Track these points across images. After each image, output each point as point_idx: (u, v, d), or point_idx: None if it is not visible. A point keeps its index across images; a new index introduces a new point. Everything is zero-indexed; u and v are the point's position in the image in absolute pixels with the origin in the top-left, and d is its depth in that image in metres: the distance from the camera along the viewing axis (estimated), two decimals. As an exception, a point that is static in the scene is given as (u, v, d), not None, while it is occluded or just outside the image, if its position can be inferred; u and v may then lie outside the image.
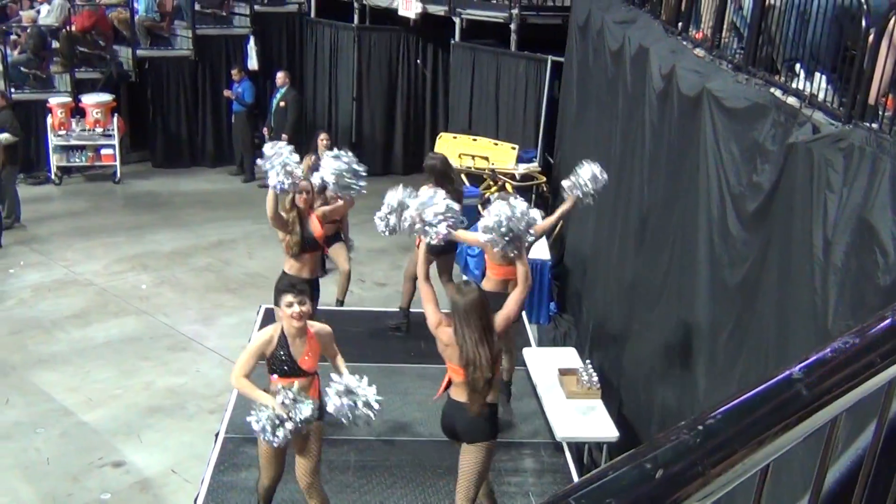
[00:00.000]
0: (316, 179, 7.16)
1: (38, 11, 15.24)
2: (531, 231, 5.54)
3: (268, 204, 6.66)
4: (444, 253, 7.84)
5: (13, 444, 7.41)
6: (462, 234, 6.04)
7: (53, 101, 14.30)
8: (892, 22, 4.45)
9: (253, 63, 15.36)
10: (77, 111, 14.45)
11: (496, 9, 13.53)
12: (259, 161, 6.72)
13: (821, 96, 5.02)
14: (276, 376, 5.18)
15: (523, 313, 8.25)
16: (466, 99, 14.44)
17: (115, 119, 14.49)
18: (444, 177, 7.70)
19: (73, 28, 14.77)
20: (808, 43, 5.28)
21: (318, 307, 6.95)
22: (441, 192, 5.69)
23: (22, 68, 14.54)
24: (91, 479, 7.03)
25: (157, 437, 7.60)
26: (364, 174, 6.97)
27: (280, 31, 16.16)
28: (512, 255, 5.41)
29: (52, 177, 14.54)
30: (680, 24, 7.63)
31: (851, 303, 4.15)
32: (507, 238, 5.29)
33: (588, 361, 7.40)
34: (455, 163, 12.44)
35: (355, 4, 15.55)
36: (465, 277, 6.72)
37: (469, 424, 5.13)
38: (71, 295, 10.41)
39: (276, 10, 16.29)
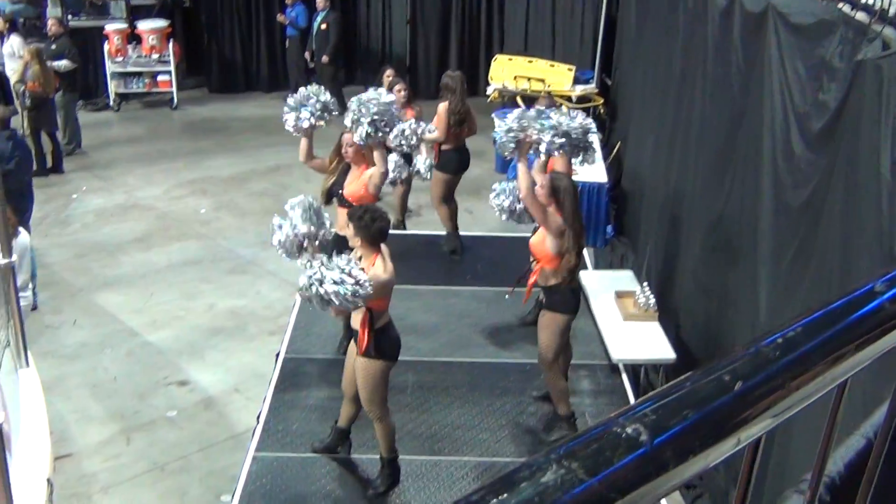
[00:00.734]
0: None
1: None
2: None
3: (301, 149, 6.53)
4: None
5: (82, 364, 7.63)
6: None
7: (110, 27, 14.38)
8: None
9: (306, -15, 15.25)
10: (133, 37, 14.52)
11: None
12: (289, 101, 6.48)
13: (891, 11, 4.82)
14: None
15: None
16: (522, 19, 14.21)
17: (171, 45, 14.54)
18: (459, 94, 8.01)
19: (128, -47, 14.76)
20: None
21: None
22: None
23: (78, -6, 14.60)
24: (157, 397, 7.23)
25: (220, 358, 7.77)
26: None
27: (333, -47, 15.98)
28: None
29: (111, 103, 14.70)
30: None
31: (919, 224, 4.04)
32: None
33: (645, 284, 7.36)
34: (510, 85, 12.33)
35: (409, -77, 15.29)
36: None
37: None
38: (133, 219, 10.60)
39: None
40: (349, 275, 4.76)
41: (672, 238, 7.81)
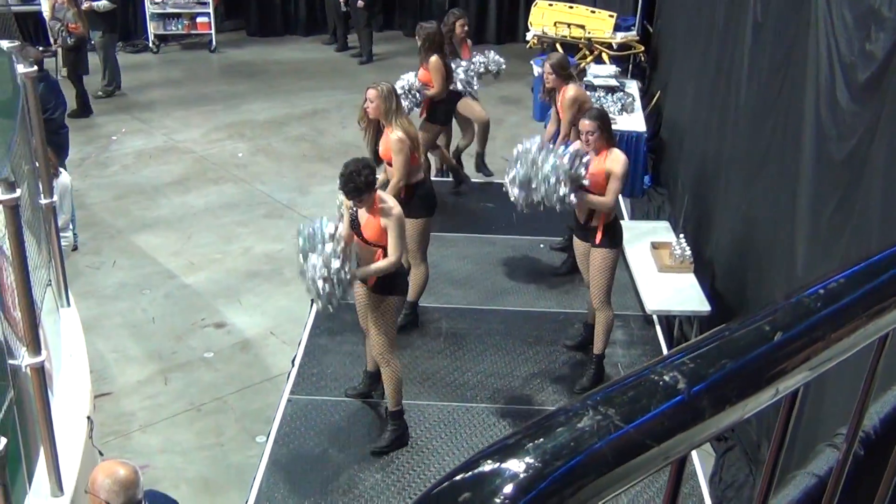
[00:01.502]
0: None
1: None
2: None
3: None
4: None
5: (121, 304, 7.75)
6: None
7: (149, -32, 14.36)
8: None
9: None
10: (172, -22, 14.50)
11: None
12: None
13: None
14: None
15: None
16: (563, -36, 13.96)
17: (210, -14, 14.50)
18: (440, 47, 7.74)
19: None
20: None
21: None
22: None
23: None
24: (194, 338, 7.33)
25: (256, 301, 7.85)
26: None
27: None
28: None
29: (150, 45, 14.72)
30: None
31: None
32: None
33: (682, 235, 7.31)
34: (550, 31, 12.17)
35: None
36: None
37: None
38: (171, 162, 10.66)
39: None
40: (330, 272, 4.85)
41: (709, 189, 7.73)
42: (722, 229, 7.33)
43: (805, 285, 0.88)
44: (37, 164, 4.89)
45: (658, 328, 6.82)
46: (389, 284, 5.20)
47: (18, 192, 3.45)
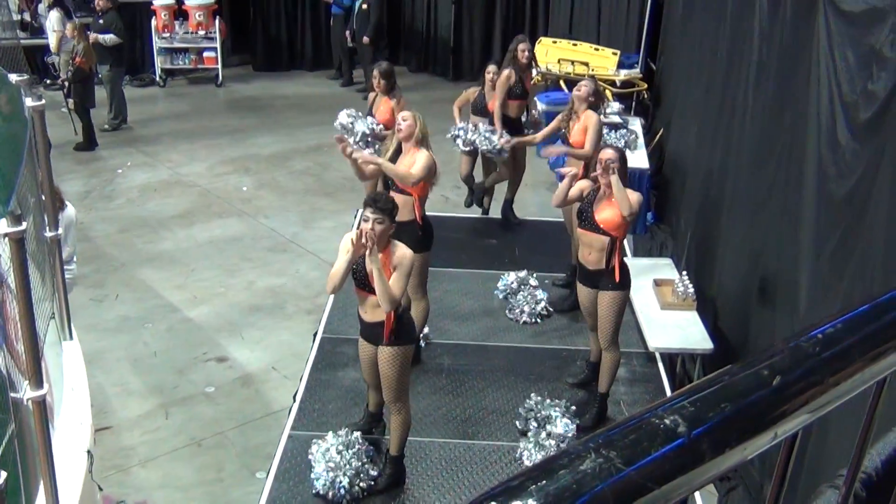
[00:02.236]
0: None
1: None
2: None
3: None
4: None
5: (123, 338, 7.75)
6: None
7: (157, 3, 14.52)
8: None
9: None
10: (180, 13, 14.64)
11: None
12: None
13: (947, 0, 4.73)
14: (354, 286, 5.13)
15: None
16: (567, 2, 14.10)
17: (217, 22, 14.64)
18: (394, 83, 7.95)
19: (176, -70, 14.86)
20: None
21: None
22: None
23: (127, -30, 14.73)
24: (196, 372, 7.32)
25: (258, 335, 7.85)
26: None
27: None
28: None
29: (157, 78, 14.85)
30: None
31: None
32: None
33: (684, 272, 7.32)
34: (554, 68, 12.25)
35: None
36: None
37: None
38: (176, 195, 10.71)
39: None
40: None
41: (712, 227, 7.74)
42: (724, 267, 7.34)
43: (804, 329, 0.89)
44: (42, 197, 4.91)
45: (661, 366, 6.80)
46: (404, 334, 5.16)
47: (24, 224, 3.47)
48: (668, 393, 6.41)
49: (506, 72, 8.21)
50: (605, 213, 5.76)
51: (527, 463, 5.64)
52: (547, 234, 8.58)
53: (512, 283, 7.53)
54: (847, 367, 0.87)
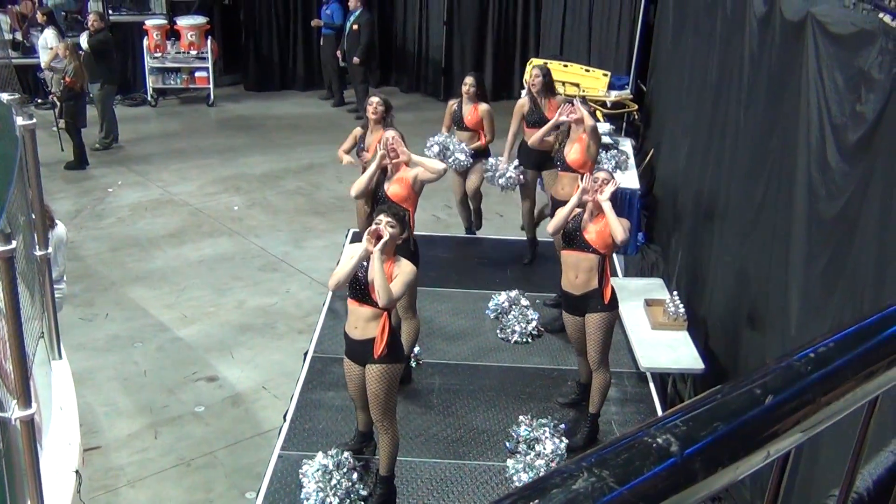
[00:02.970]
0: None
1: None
2: None
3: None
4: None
5: (113, 357, 7.71)
6: None
7: (150, 23, 14.53)
8: None
9: (343, -15, 15.32)
10: (172, 34, 14.67)
11: (591, -70, 13.15)
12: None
13: (934, 23, 4.77)
14: (350, 298, 5.15)
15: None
16: (558, 23, 14.16)
17: (209, 42, 14.66)
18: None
19: (168, -50, 14.90)
20: (924, -34, 5.01)
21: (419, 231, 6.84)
22: None
23: (119, -10, 14.78)
24: (186, 392, 7.29)
25: (249, 355, 7.82)
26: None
27: (371, -46, 16.06)
28: None
29: (149, 98, 14.85)
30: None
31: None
32: None
33: (675, 293, 7.33)
34: (545, 89, 12.28)
35: (447, -75, 15.30)
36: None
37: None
38: (167, 214, 10.70)
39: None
40: None
41: (703, 247, 7.77)
42: (715, 287, 7.36)
43: (796, 349, 0.89)
44: (33, 216, 4.90)
45: (652, 385, 6.79)
46: (394, 352, 5.16)
47: (14, 243, 3.45)
48: (660, 413, 6.41)
49: (521, 100, 8.27)
50: (594, 232, 5.78)
51: (516, 483, 5.62)
52: (539, 255, 8.58)
53: (503, 302, 7.52)
54: (839, 387, 0.87)
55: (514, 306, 7.46)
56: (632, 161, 10.10)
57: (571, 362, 6.93)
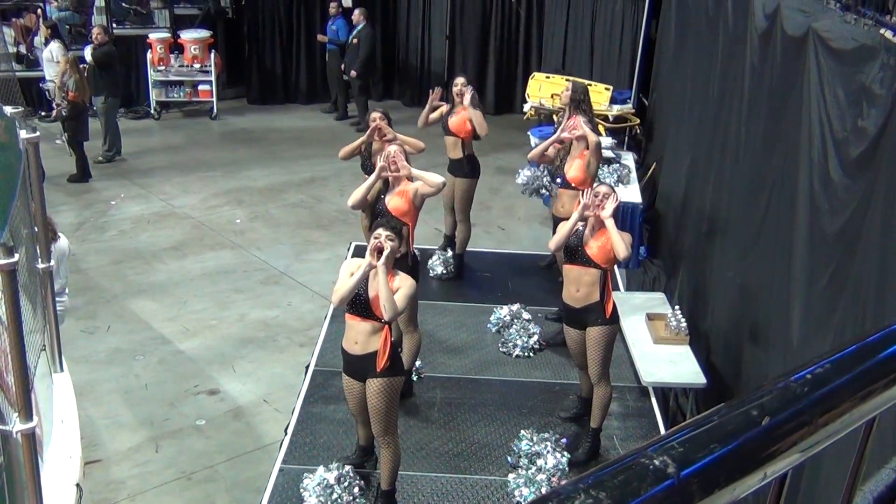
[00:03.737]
0: None
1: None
2: None
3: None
4: None
5: (114, 370, 7.71)
6: None
7: (153, 36, 14.59)
8: None
9: (347, 0, 15.38)
10: (176, 47, 14.72)
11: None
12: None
13: (935, 38, 4.78)
14: (349, 314, 5.14)
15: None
16: (561, 38, 14.22)
17: (213, 55, 14.71)
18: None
19: (172, -36, 14.97)
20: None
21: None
22: None
23: (123, 3, 14.84)
24: (187, 405, 7.28)
25: (250, 368, 7.82)
26: None
27: (374, -32, 16.14)
28: None
29: (152, 111, 14.89)
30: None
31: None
32: None
33: (677, 307, 7.32)
34: (547, 103, 12.33)
35: (450, -60, 15.37)
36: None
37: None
38: (169, 227, 10.71)
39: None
40: None
41: (705, 262, 7.76)
42: (717, 301, 7.35)
43: (793, 370, 0.89)
44: (35, 229, 4.91)
45: (654, 400, 6.78)
46: (395, 366, 5.16)
47: (16, 257, 3.46)
48: (662, 427, 6.39)
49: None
50: (596, 247, 5.78)
51: (518, 498, 5.60)
52: (540, 268, 8.58)
53: (505, 316, 7.51)
54: (836, 408, 0.87)
55: (515, 320, 7.45)
56: (634, 175, 10.11)
57: (573, 376, 6.92)
